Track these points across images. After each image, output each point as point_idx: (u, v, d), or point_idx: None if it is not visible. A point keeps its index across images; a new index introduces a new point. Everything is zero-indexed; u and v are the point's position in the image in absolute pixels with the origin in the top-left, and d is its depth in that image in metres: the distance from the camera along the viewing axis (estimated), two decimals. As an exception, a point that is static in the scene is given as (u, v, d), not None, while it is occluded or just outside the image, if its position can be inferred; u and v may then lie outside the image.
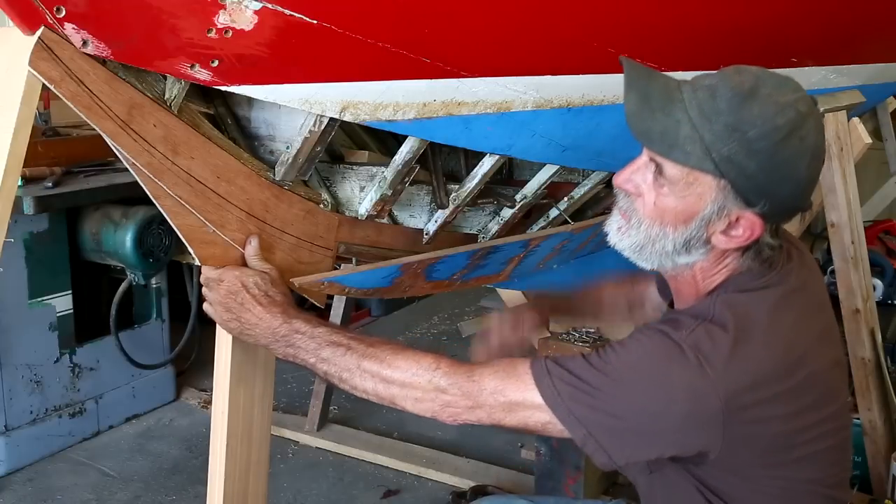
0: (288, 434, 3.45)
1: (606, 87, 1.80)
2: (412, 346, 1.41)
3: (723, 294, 1.32)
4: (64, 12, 1.16)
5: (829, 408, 1.33)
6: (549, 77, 1.71)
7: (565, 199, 2.20)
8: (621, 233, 1.37)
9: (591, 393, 1.25)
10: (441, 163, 1.91)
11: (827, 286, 3.60)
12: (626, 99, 1.30)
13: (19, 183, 2.32)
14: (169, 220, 1.40)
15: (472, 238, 2.09)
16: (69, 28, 1.18)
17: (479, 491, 2.95)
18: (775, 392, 1.25)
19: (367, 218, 1.76)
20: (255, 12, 1.28)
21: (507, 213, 2.05)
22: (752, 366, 1.24)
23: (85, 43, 1.20)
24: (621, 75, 1.31)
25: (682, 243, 1.32)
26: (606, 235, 1.41)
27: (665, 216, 1.31)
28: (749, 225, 1.29)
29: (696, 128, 1.24)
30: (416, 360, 1.35)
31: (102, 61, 1.25)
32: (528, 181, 2.05)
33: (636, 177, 1.34)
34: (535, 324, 1.92)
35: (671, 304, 1.49)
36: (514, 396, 1.30)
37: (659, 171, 1.29)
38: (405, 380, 1.34)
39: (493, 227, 2.08)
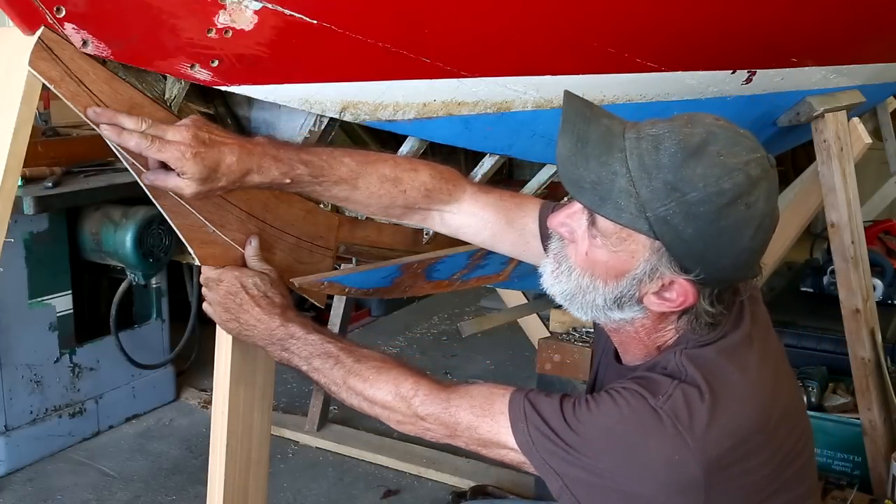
0: (288, 434, 3.44)
1: (606, 88, 1.80)
2: (399, 361, 1.38)
3: (684, 349, 1.24)
4: (64, 12, 1.16)
5: (797, 432, 1.31)
6: (549, 77, 1.71)
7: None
8: (553, 277, 1.30)
9: (565, 449, 1.20)
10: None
11: (827, 286, 3.61)
12: (559, 142, 1.20)
13: (19, 183, 2.33)
14: (169, 220, 1.40)
15: (472, 238, 2.09)
16: (69, 28, 1.18)
17: (479, 491, 2.95)
18: (755, 444, 1.21)
19: (367, 218, 1.76)
20: (255, 12, 1.28)
21: (507, 213, 2.05)
22: (732, 426, 1.19)
23: (85, 43, 1.20)
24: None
25: (612, 299, 1.24)
26: (541, 277, 1.33)
27: (596, 268, 1.23)
28: (682, 291, 1.21)
29: (634, 182, 1.15)
30: (396, 383, 1.33)
31: (102, 61, 1.25)
32: (528, 181, 2.04)
33: (571, 221, 1.26)
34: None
35: (617, 358, 1.40)
36: (488, 436, 1.27)
37: (592, 220, 1.21)
38: (386, 402, 1.33)
39: (494, 227, 2.08)
